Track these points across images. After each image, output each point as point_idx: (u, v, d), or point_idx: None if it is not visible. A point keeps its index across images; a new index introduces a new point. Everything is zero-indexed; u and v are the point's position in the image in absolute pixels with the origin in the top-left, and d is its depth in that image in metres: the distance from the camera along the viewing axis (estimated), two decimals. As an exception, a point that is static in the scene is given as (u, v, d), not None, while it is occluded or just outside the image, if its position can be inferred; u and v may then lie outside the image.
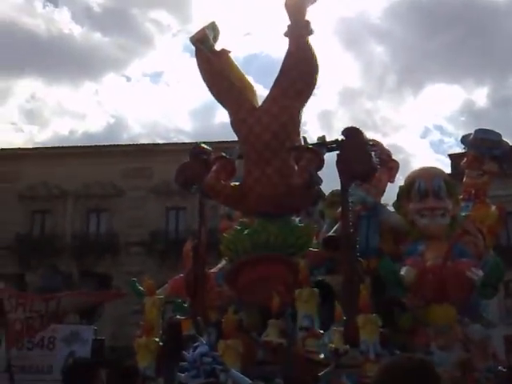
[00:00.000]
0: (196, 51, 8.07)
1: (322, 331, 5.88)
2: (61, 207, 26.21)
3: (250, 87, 8.20)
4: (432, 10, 52.90)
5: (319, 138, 7.77)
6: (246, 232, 7.39)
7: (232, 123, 7.79)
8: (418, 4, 55.45)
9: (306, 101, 7.76)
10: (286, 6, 7.74)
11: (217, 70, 7.90)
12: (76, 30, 60.69)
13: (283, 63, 7.72)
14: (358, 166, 7.07)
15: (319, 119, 57.72)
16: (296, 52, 7.59)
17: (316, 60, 7.68)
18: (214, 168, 7.59)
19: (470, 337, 6.66)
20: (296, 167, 7.43)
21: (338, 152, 7.26)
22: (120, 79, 61.48)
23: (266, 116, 7.45)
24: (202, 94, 62.29)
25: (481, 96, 58.67)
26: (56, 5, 75.96)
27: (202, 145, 8.20)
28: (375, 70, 57.25)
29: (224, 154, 7.78)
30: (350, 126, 7.58)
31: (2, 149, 28.48)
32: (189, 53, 62.47)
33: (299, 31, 7.64)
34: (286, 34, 7.75)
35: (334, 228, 8.74)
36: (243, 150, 7.70)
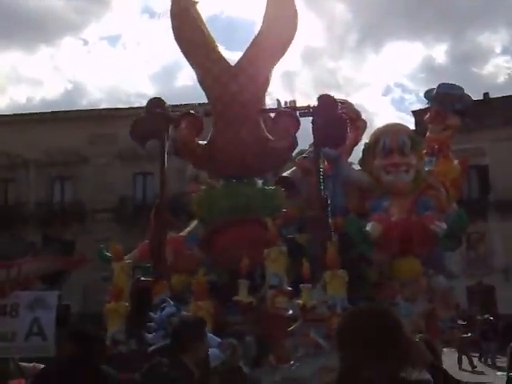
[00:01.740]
0: None
1: (290, 288, 5.96)
2: (23, 176, 25.63)
3: (216, 44, 7.95)
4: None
5: (291, 102, 7.83)
6: (220, 193, 7.36)
7: (202, 79, 7.48)
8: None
9: (278, 62, 7.72)
10: None
11: (191, 21, 7.54)
12: (29, -9, 58.19)
13: (262, 24, 7.56)
14: (333, 133, 7.26)
15: (282, 79, 57.34)
16: (277, 13, 7.43)
17: (297, 21, 7.57)
18: (183, 125, 7.40)
19: (434, 288, 6.86)
20: (267, 128, 7.44)
21: (312, 118, 7.37)
22: (77, 43, 59.55)
23: (243, 76, 7.31)
24: (161, 56, 60.89)
25: (440, 52, 59.10)
26: (6, -35, 72.39)
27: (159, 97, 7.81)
28: (337, 29, 56.87)
29: (192, 112, 7.61)
30: (323, 93, 7.68)
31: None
32: (147, 13, 60.79)
33: None
34: None
35: (290, 171, 8.87)
36: (214, 107, 7.48)
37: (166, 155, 7.40)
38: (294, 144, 7.58)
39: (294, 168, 9.03)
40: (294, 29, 7.56)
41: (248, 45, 7.62)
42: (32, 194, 25.51)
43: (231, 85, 7.30)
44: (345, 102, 9.25)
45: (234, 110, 7.27)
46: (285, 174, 8.88)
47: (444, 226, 7.07)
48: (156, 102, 7.57)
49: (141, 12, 63.38)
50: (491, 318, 15.18)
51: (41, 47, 56.75)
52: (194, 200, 7.66)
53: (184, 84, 50.82)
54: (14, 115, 28.00)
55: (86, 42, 60.80)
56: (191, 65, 7.74)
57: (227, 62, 7.52)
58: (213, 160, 7.42)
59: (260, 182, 7.97)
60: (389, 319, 1.72)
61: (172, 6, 7.59)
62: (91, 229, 23.17)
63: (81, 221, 24.31)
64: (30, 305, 4.97)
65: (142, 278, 7.38)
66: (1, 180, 26.17)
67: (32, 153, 25.28)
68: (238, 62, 7.50)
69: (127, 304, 6.31)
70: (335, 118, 7.29)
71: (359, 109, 9.83)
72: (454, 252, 7.78)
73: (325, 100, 7.42)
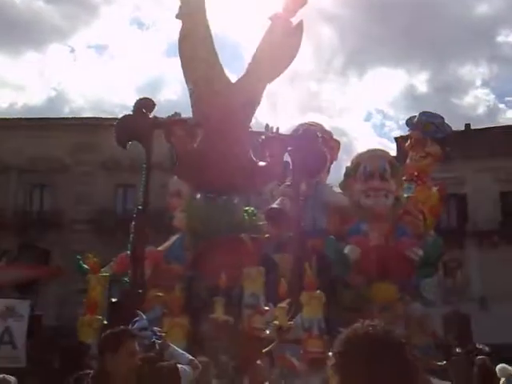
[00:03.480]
0: (183, 4, 7.60)
1: (266, 308, 5.97)
2: (3, 182, 25.30)
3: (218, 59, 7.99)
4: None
5: (266, 127, 8.02)
6: (214, 208, 7.40)
7: (200, 91, 7.53)
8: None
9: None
10: None
11: (198, 29, 7.63)
12: (17, -4, 57.98)
13: (263, 47, 7.74)
14: (312, 166, 7.62)
15: (266, 100, 57.64)
16: (284, 39, 7.64)
17: (299, 49, 7.83)
18: (179, 132, 7.35)
19: (410, 314, 6.92)
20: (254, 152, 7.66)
21: (291, 148, 7.66)
22: (63, 49, 59.25)
23: (243, 95, 7.45)
24: (147, 69, 60.84)
25: (422, 81, 60.17)
26: (-2, -31, 72.14)
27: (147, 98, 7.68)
28: (323, 52, 57.58)
29: (183, 118, 7.58)
30: (306, 127, 8.22)
31: None
32: (136, 24, 60.83)
33: (287, 16, 7.73)
34: (271, 19, 7.81)
35: (277, 201, 8.97)
36: (209, 121, 7.49)
37: (150, 159, 7.33)
38: (284, 169, 7.79)
39: (281, 198, 9.02)
40: (295, 55, 7.81)
41: (247, 65, 7.87)
42: (11, 201, 25.16)
43: (232, 101, 7.41)
44: (316, 125, 9.46)
45: (231, 126, 7.39)
46: (274, 205, 8.87)
47: (420, 252, 7.17)
48: (144, 103, 7.46)
49: (130, 23, 63.47)
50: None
51: (27, 52, 56.37)
52: (189, 212, 7.64)
53: (168, 98, 50.80)
54: (-2, 120, 27.71)
55: (72, 50, 60.56)
56: (189, 73, 7.72)
57: (228, 79, 7.64)
58: (203, 173, 7.44)
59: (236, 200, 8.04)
60: (394, 341, 1.61)
61: (181, 8, 7.57)
62: (69, 239, 22.86)
63: (58, 230, 23.97)
64: (1, 313, 4.91)
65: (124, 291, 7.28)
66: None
67: (14, 159, 24.99)
68: (240, 79, 7.64)
69: (101, 317, 6.24)
70: (315, 150, 7.65)
71: (341, 133, 10.06)
72: (430, 279, 7.87)
73: (307, 132, 7.82)
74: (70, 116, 30.45)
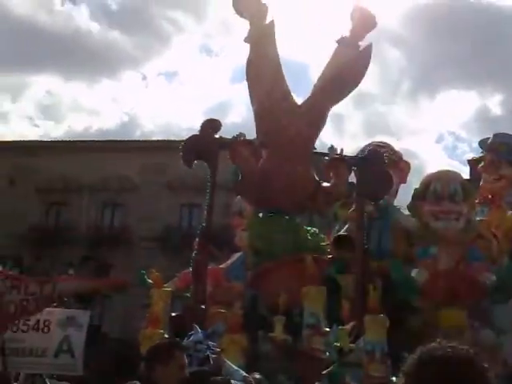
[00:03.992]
0: (254, 26, 7.65)
1: (327, 329, 5.80)
2: (77, 200, 26.40)
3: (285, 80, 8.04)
4: (449, 17, 52.37)
5: (330, 149, 8.02)
6: (276, 227, 7.38)
7: (264, 112, 7.56)
8: (435, 10, 54.94)
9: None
10: (358, 15, 7.82)
11: (266, 51, 7.68)
12: (94, 28, 61.08)
13: (332, 67, 7.78)
14: (377, 188, 7.49)
15: (331, 121, 57.40)
16: (349, 59, 7.66)
17: (366, 71, 7.86)
18: (245, 152, 7.37)
19: (481, 342, 6.53)
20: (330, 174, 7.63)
21: (357, 168, 7.56)
22: (136, 76, 61.80)
23: (308, 116, 7.50)
24: (215, 94, 62.33)
25: (495, 103, 58.00)
26: (74, 2, 76.54)
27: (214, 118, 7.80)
28: (391, 75, 56.87)
29: (248, 139, 7.62)
30: (372, 148, 8.02)
31: (20, 141, 28.80)
32: (204, 52, 62.62)
33: (355, 40, 7.76)
34: (339, 42, 7.85)
35: (345, 228, 8.76)
36: (274, 141, 7.51)
37: (215, 178, 7.39)
38: (348, 190, 7.66)
39: (348, 224, 8.80)
40: (361, 79, 7.76)
41: (313, 87, 7.92)
42: (83, 218, 26.20)
43: (298, 122, 7.45)
44: (385, 146, 9.23)
45: (296, 146, 7.42)
46: (342, 232, 8.69)
47: (493, 277, 6.79)
48: (211, 124, 7.56)
49: (199, 50, 65.37)
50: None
51: (102, 80, 59.18)
52: (250, 230, 7.62)
53: (233, 121, 51.72)
54: (71, 141, 29.12)
55: (144, 77, 63.03)
56: (255, 94, 7.76)
57: (294, 100, 7.67)
58: (265, 191, 7.43)
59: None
60: (476, 368, 1.41)
61: (251, 31, 7.66)
62: (136, 255, 23.50)
63: (127, 247, 24.72)
64: (61, 322, 5.02)
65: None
66: (55, 203, 27.04)
67: (86, 178, 26.08)
68: (306, 101, 7.68)
69: (162, 331, 6.28)
70: (381, 172, 7.49)
71: (411, 155, 9.79)
72: (503, 305, 7.42)
73: (373, 153, 7.67)
74: (141, 139, 31.54)
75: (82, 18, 57.62)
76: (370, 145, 9.02)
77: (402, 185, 9.24)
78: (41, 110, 56.37)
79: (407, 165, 9.38)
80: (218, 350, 3.76)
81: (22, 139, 30.34)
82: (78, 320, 5.04)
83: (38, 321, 5.06)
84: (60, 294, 4.96)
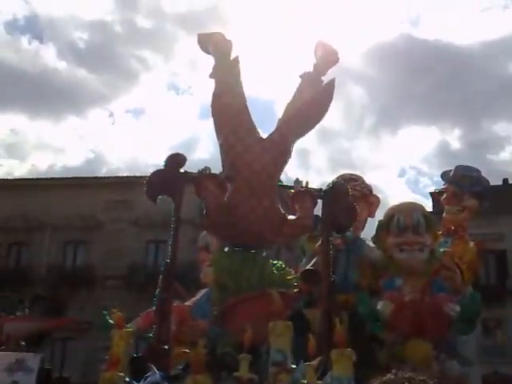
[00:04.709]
0: (219, 61, 7.70)
1: (294, 366, 5.69)
2: (38, 239, 25.77)
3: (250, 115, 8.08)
4: (409, 55, 54.30)
5: (295, 182, 8.07)
6: (241, 262, 7.29)
7: (230, 145, 7.53)
8: (395, 48, 56.93)
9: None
10: (321, 50, 7.94)
11: (234, 84, 7.67)
12: (61, 66, 61.02)
13: (296, 101, 7.87)
14: (342, 221, 7.51)
15: (297, 156, 58.26)
16: (312, 94, 7.78)
17: (329, 106, 7.90)
18: (211, 186, 7.32)
19: (447, 374, 6.53)
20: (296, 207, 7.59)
21: (322, 202, 7.60)
22: (103, 114, 61.63)
23: (273, 150, 7.51)
24: (182, 130, 62.75)
25: (455, 138, 59.95)
26: (41, 41, 76.63)
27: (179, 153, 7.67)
28: (353, 111, 58.28)
29: (214, 173, 7.56)
30: (335, 180, 8.17)
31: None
32: (172, 90, 62.96)
33: (318, 75, 7.86)
34: (302, 77, 7.97)
35: (313, 262, 8.73)
36: (240, 174, 7.47)
37: (180, 214, 7.29)
38: (314, 224, 7.69)
39: (316, 258, 8.83)
40: (325, 113, 7.87)
41: (277, 121, 7.92)
42: (44, 258, 25.59)
43: (263, 156, 7.44)
44: (357, 178, 9.31)
45: (261, 180, 7.39)
46: (308, 267, 8.72)
47: (458, 308, 6.82)
48: (175, 158, 7.47)
49: (167, 88, 65.80)
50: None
51: (68, 117, 58.89)
52: (215, 265, 7.50)
53: (200, 157, 51.91)
54: (33, 179, 28.66)
55: (111, 114, 63.07)
56: (220, 127, 7.74)
57: (259, 134, 7.72)
58: (231, 226, 7.38)
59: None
60: None
61: (218, 65, 7.70)
62: (100, 295, 22.96)
63: (90, 286, 24.16)
64: (9, 367, 4.79)
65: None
66: (15, 243, 26.40)
67: (49, 216, 25.59)
68: (270, 135, 7.72)
69: (122, 374, 6.05)
70: (345, 204, 7.54)
71: (375, 190, 9.85)
72: (468, 337, 7.45)
73: (336, 187, 7.74)
74: (107, 175, 31.29)
75: (50, 57, 57.55)
76: (341, 176, 9.10)
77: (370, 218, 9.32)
78: (5, 148, 55.54)
79: (377, 199, 9.47)
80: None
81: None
82: (27, 364, 4.81)
83: None
84: (7, 335, 4.73)
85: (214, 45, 7.76)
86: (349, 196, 7.71)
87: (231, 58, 7.77)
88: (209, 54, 7.87)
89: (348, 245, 8.52)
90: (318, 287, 7.75)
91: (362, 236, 9.05)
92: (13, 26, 58.87)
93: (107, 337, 7.89)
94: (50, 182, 27.25)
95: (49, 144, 56.82)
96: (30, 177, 31.26)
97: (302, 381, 5.47)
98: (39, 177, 30.34)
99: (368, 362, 6.36)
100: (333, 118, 63.13)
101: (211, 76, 7.85)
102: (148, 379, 3.68)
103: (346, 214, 7.52)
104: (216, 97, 7.78)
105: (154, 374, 3.71)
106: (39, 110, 57.19)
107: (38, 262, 25.05)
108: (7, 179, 29.60)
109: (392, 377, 1.34)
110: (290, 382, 5.47)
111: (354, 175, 9.53)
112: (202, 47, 7.86)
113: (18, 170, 53.58)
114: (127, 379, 5.89)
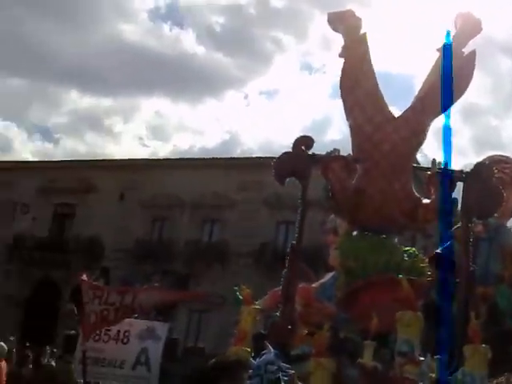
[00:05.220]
0: (347, 40, 7.51)
1: (422, 358, 5.42)
2: (178, 216, 27.36)
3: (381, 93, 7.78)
4: None
5: (432, 163, 7.60)
6: (370, 246, 7.11)
7: (359, 125, 7.34)
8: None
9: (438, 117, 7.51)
10: (461, 20, 7.47)
11: (362, 62, 7.47)
12: (199, 51, 63.63)
13: (434, 76, 7.44)
14: (484, 206, 6.98)
15: (437, 137, 55.12)
16: (455, 70, 7.27)
17: (471, 79, 7.44)
18: (336, 168, 7.19)
19: None
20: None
21: (463, 185, 7.12)
22: (238, 96, 63.44)
23: (406, 128, 7.20)
24: (315, 110, 62.52)
25: None
26: (181, 27, 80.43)
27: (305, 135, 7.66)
28: (503, 86, 53.77)
29: (341, 155, 7.42)
30: (480, 162, 7.48)
31: (128, 159, 30.45)
32: (306, 70, 62.95)
33: (458, 47, 7.38)
34: (439, 50, 7.51)
35: (445, 245, 8.29)
36: (370, 155, 7.27)
37: (306, 195, 7.25)
38: (452, 207, 7.18)
39: (449, 242, 8.36)
40: (466, 88, 7.34)
41: (410, 99, 7.56)
42: (183, 233, 27.09)
43: (394, 135, 7.16)
44: (509, 161, 8.57)
45: (392, 161, 7.12)
46: (439, 251, 8.29)
47: None
48: (303, 141, 7.44)
49: (300, 68, 65.93)
50: None
51: (206, 100, 61.47)
52: (341, 249, 7.41)
53: (332, 138, 51.39)
54: (175, 160, 30.34)
55: (246, 96, 64.63)
56: (349, 107, 7.53)
57: (391, 113, 7.40)
58: (360, 209, 7.19)
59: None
60: None
61: (347, 43, 7.51)
62: (232, 271, 23.85)
63: (223, 262, 25.20)
64: (140, 334, 5.08)
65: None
66: (159, 218, 28.24)
67: (187, 195, 26.98)
68: (403, 114, 7.38)
69: (249, 349, 6.19)
70: (489, 188, 6.95)
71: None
72: None
73: (480, 168, 7.14)
74: (240, 156, 32.24)
75: (189, 42, 60.42)
76: (490, 157, 8.48)
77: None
78: (150, 130, 59.62)
79: None
80: (292, 372, 3.58)
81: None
82: (156, 332, 5.09)
83: (119, 331, 5.17)
84: (140, 304, 5.03)
85: (342, 23, 7.55)
86: (493, 179, 7.07)
87: (359, 35, 7.52)
88: (338, 32, 7.67)
89: (490, 232, 7.95)
90: (451, 274, 7.33)
91: (509, 225, 8.40)
92: (155, 14, 62.48)
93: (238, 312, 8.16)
94: (189, 162, 28.78)
95: (189, 126, 59.96)
96: (173, 157, 33.28)
97: (431, 374, 5.22)
98: (180, 157, 32.21)
99: (506, 360, 5.89)
100: (479, 93, 58.84)
101: (340, 55, 7.65)
102: (263, 357, 3.71)
103: (489, 198, 6.92)
104: (344, 77, 7.57)
105: (270, 352, 3.73)
106: (180, 93, 60.45)
107: (178, 237, 26.66)
108: (153, 159, 31.80)
109: (503, 380, 1.15)
110: (416, 374, 5.25)
111: (505, 157, 8.81)
112: (332, 26, 7.67)
113: (161, 150, 57.31)
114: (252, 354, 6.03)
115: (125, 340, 5.07)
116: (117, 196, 28.46)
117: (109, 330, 5.07)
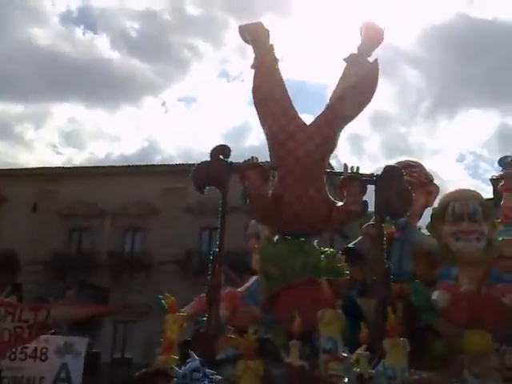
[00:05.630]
0: (256, 51, 7.72)
1: (345, 354, 5.65)
2: (98, 225, 26.65)
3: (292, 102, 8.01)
4: (466, 35, 52.32)
5: (344, 168, 7.93)
6: (288, 250, 7.29)
7: (273, 134, 7.54)
8: (451, 29, 54.95)
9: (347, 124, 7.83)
10: (365, 30, 7.75)
11: (272, 73, 7.67)
12: (115, 56, 62.39)
13: (338, 87, 7.71)
14: (395, 206, 7.31)
15: (349, 142, 57.17)
16: (358, 78, 7.59)
17: (376, 87, 7.72)
18: (253, 175, 7.31)
19: (509, 365, 6.32)
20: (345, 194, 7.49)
21: (375, 187, 7.45)
22: (156, 103, 62.75)
23: (318, 136, 7.42)
24: (233, 117, 63.13)
25: (516, 120, 57.47)
26: (95, 31, 78.64)
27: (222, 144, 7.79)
28: (409, 95, 56.72)
29: (257, 163, 7.58)
30: (389, 165, 7.83)
31: (42, 168, 29.28)
32: (224, 77, 63.33)
33: (363, 56, 7.69)
34: (346, 60, 7.80)
35: (356, 241, 8.69)
36: (284, 162, 7.46)
37: (226, 203, 7.38)
38: (363, 210, 7.52)
39: (360, 237, 8.82)
40: (372, 95, 7.68)
41: (323, 107, 7.75)
42: (104, 243, 26.44)
43: (306, 143, 7.37)
44: (417, 166, 9.07)
45: (306, 168, 7.32)
46: (351, 245, 8.68)
47: (517, 299, 6.57)
48: (220, 150, 7.58)
49: (217, 76, 66.19)
50: None
51: (123, 106, 60.28)
52: (261, 254, 7.56)
53: (252, 144, 52.04)
54: (93, 167, 29.56)
55: (164, 103, 64.11)
56: (263, 117, 7.75)
57: (302, 121, 7.62)
58: (278, 215, 7.37)
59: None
60: None
61: (257, 55, 7.71)
62: (157, 280, 23.56)
63: (147, 271, 24.84)
64: (58, 350, 4.98)
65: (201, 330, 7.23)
66: (77, 229, 27.38)
67: (108, 203, 26.37)
68: (314, 121, 7.62)
69: (176, 357, 6.19)
70: (399, 189, 7.33)
71: (433, 175, 9.54)
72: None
73: (390, 170, 7.52)
74: (161, 163, 31.96)
75: (103, 47, 59.01)
76: (400, 162, 8.90)
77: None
78: (64, 137, 57.57)
79: (436, 188, 9.19)
80: (219, 378, 3.64)
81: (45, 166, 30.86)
82: (75, 347, 5.00)
83: (36, 348, 5.04)
84: (55, 320, 4.92)
85: (251, 35, 7.76)
86: (402, 180, 7.50)
87: (267, 47, 7.75)
88: (248, 43, 7.87)
89: (401, 232, 8.35)
90: (365, 270, 7.66)
91: (419, 225, 8.85)
92: (67, 18, 60.79)
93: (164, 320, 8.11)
94: (108, 169, 28.13)
95: (105, 133, 58.61)
96: (90, 165, 32.34)
97: (355, 369, 5.44)
98: (98, 164, 31.39)
99: (423, 352, 6.24)
100: (387, 102, 61.75)
101: (252, 66, 7.86)
102: (188, 365, 3.74)
103: (400, 197, 7.30)
104: (256, 88, 7.79)
105: (194, 359, 3.76)
106: (95, 99, 59.04)
107: (99, 247, 25.98)
108: (68, 167, 30.79)
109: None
110: (341, 370, 5.45)
111: (414, 162, 9.28)
112: (243, 38, 7.88)
113: (77, 158, 55.61)
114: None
115: (43, 357, 4.94)
116: (30, 207, 27.33)
117: (25, 348, 4.92)
